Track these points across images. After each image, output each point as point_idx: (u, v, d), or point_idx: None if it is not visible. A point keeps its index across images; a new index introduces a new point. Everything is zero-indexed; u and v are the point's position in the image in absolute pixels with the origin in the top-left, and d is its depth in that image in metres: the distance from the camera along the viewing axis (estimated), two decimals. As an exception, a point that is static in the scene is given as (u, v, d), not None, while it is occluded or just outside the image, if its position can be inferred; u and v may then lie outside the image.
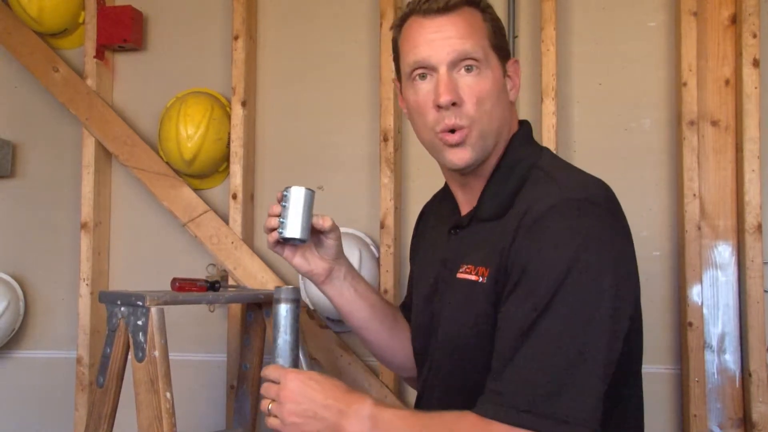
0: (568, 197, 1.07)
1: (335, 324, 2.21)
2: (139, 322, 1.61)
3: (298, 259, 1.33)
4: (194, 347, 2.33)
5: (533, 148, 1.23)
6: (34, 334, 2.47)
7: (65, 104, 2.40)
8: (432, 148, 1.21)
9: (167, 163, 2.33)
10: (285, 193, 1.27)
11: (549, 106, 2.04)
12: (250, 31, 2.34)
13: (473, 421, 1.03)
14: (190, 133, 2.22)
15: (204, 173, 2.33)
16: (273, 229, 1.29)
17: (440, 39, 1.15)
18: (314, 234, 1.32)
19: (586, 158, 2.14)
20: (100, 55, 2.40)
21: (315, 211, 1.28)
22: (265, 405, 1.17)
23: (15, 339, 2.45)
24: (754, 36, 1.97)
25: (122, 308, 1.65)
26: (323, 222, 1.31)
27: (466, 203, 1.26)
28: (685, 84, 2.00)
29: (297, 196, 1.26)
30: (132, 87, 2.46)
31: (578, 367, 0.99)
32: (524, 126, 1.25)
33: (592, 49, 2.14)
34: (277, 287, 1.26)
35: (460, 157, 1.17)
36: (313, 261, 1.35)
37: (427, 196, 2.20)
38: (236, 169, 2.28)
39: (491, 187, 1.19)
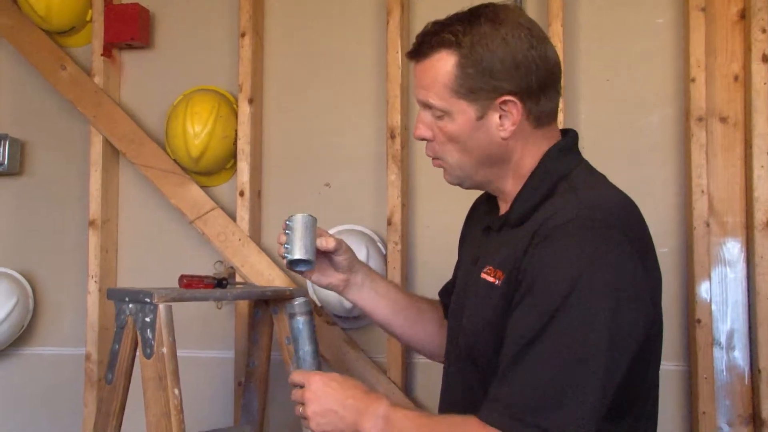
0: (582, 215, 1.10)
1: (343, 321, 2.21)
2: (147, 319, 1.61)
3: (315, 276, 1.42)
4: (202, 344, 2.33)
5: (569, 160, 1.23)
6: (43, 331, 2.48)
7: (73, 102, 2.41)
8: None
9: (174, 160, 2.34)
10: (288, 222, 1.36)
11: (556, 102, 2.03)
12: (257, 28, 2.33)
13: (474, 425, 1.08)
14: (197, 131, 2.23)
15: (211, 170, 2.33)
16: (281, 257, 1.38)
17: (414, 84, 1.25)
18: (324, 255, 1.39)
19: (592, 156, 2.12)
20: (107, 53, 2.40)
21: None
22: (298, 410, 1.25)
23: (24, 336, 2.46)
24: (764, 31, 1.95)
25: (130, 305, 1.65)
26: (326, 243, 1.38)
27: (503, 204, 1.29)
28: (693, 80, 1.99)
29: (297, 222, 1.34)
30: (139, 85, 2.47)
31: (574, 382, 1.04)
32: (567, 137, 1.26)
33: (599, 45, 2.13)
34: (290, 303, 1.33)
35: (445, 176, 1.27)
36: (329, 275, 1.43)
37: (434, 193, 2.21)
38: (243, 166, 2.28)
39: (521, 197, 1.23)
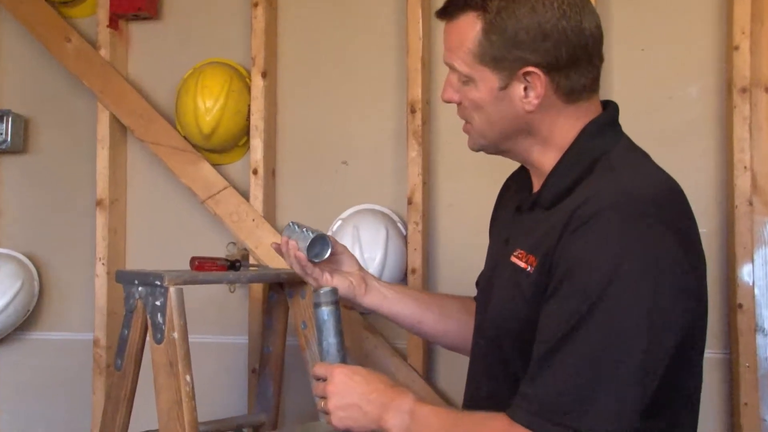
0: (621, 200, 1.08)
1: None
2: (158, 303, 1.62)
3: (336, 280, 1.40)
4: (214, 329, 2.34)
5: (608, 136, 1.20)
6: (50, 316, 2.50)
7: (78, 76, 2.40)
8: None
9: (185, 137, 2.33)
10: (288, 226, 1.40)
11: (588, 73, 1.99)
12: (271, -2, 2.31)
13: (503, 422, 1.07)
14: (209, 106, 2.22)
15: (223, 148, 2.33)
16: (296, 257, 1.37)
17: (443, 45, 1.23)
18: (330, 258, 1.40)
19: (626, 129, 2.11)
20: (113, 24, 2.39)
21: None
22: (320, 404, 1.24)
23: (30, 320, 2.48)
24: (816, -5, 1.90)
25: (140, 288, 1.66)
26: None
27: (536, 180, 1.27)
28: (736, 48, 1.94)
29: (291, 225, 1.40)
30: (147, 58, 2.46)
31: (610, 380, 1.03)
32: (607, 111, 1.23)
33: (633, 12, 2.09)
34: (315, 291, 1.31)
35: (468, 143, 1.27)
36: (348, 275, 1.42)
37: (457, 171, 2.19)
38: (257, 143, 2.27)
39: (555, 176, 1.20)
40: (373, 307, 1.43)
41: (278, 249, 1.40)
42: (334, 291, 1.30)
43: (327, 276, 1.39)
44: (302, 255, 1.36)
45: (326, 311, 1.29)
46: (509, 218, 1.30)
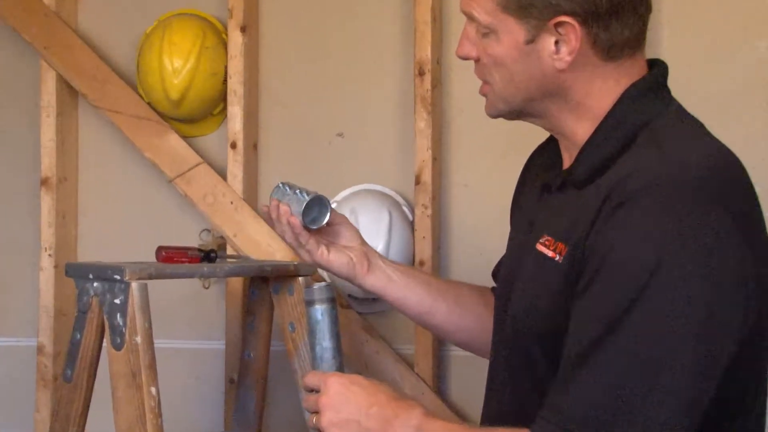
0: (669, 176, 1.07)
1: (360, 304, 2.19)
2: (117, 301, 1.63)
3: (333, 255, 1.41)
4: (185, 332, 2.34)
5: (654, 101, 1.19)
6: (-16, 318, 2.45)
7: (17, 29, 2.36)
8: None
9: (149, 104, 2.32)
10: (277, 187, 1.43)
11: (632, 27, 1.98)
12: (250, -65, 2.29)
13: None
14: (177, 67, 2.21)
15: (195, 116, 2.32)
16: (289, 224, 1.38)
17: None
18: (326, 229, 1.42)
19: (677, 94, 2.09)
20: (57, -37, 2.35)
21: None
22: (311, 420, 1.23)
23: (-40, 323, 2.44)
24: None
25: (95, 284, 1.67)
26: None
27: (566, 154, 1.27)
28: (817, -7, 1.92)
29: (283, 186, 1.42)
30: (102, 8, 2.43)
31: (653, 388, 1.02)
32: (653, 71, 1.22)
33: (687, -47, 2.05)
34: (308, 287, 1.32)
35: (486, 107, 1.27)
36: (347, 250, 1.43)
37: (473, 144, 2.19)
38: (235, 111, 2.25)
39: (589, 148, 1.19)
40: (375, 289, 1.44)
41: (267, 214, 1.41)
42: (330, 288, 1.30)
43: (323, 249, 1.40)
44: (296, 221, 1.36)
45: (320, 310, 1.29)
46: (535, 199, 1.30)
